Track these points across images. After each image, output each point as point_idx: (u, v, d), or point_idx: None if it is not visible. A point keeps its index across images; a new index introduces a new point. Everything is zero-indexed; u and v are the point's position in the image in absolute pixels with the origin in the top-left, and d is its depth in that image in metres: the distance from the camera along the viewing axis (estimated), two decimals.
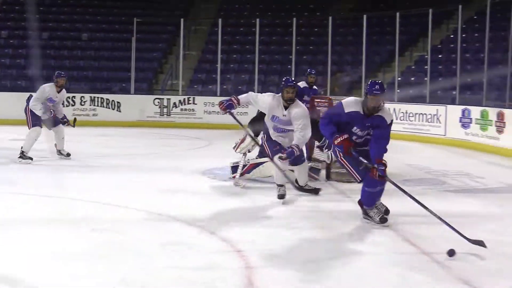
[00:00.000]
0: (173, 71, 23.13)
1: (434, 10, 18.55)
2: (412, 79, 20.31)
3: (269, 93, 8.25)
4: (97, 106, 20.09)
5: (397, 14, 18.98)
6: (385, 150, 6.46)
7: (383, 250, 5.83)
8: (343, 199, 8.33)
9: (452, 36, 20.31)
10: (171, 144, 12.49)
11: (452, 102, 16.36)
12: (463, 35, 18.53)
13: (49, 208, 7.34)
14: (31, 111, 10.87)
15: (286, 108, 7.74)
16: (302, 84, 11.89)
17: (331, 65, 20.43)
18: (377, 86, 6.38)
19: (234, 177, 9.23)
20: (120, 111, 20.05)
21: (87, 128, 16.49)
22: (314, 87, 12.27)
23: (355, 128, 6.57)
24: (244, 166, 9.23)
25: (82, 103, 19.92)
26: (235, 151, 9.30)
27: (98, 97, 20.15)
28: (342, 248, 5.85)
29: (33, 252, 5.38)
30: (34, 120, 10.89)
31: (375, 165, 6.29)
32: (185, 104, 19.86)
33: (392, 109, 17.11)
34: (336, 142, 6.50)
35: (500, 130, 13.65)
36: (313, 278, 4.87)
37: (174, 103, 19.89)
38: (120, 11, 25.71)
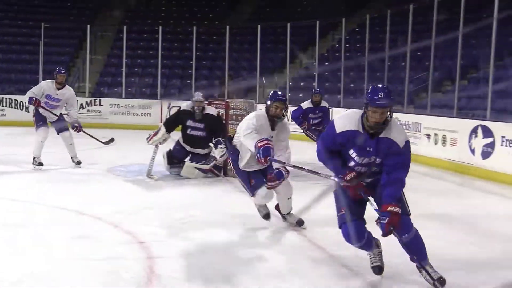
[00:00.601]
0: (80, 74, 22.70)
1: (321, 22, 19.05)
2: (302, 84, 20.74)
3: (251, 115, 6.18)
4: (6, 106, 19.49)
5: (288, 24, 19.36)
6: (402, 186, 4.42)
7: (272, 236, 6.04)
8: (238, 193, 8.34)
9: (337, 45, 20.90)
10: (78, 143, 12.23)
11: (338, 105, 16.78)
12: (347, 45, 19.09)
13: None
14: (35, 112, 9.83)
15: (272, 127, 6.11)
16: (306, 104, 11.45)
17: (228, 70, 20.64)
18: (381, 94, 4.24)
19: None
20: (28, 112, 19.44)
21: None
22: (324, 103, 11.59)
23: (351, 151, 4.52)
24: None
25: None
26: (148, 142, 9.35)
27: (6, 98, 19.56)
28: (238, 237, 6.04)
29: None
30: (37, 121, 9.83)
31: (379, 214, 4.37)
32: (91, 106, 19.50)
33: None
34: (342, 183, 4.55)
35: None
36: (211, 267, 4.98)
37: (81, 105, 19.43)
38: (27, 16, 24.98)
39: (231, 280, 4.66)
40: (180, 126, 9.75)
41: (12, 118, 19.02)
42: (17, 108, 19.46)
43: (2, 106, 19.51)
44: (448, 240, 5.95)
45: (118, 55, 21.98)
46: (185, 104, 10.18)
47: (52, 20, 23.39)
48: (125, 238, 5.81)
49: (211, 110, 9.76)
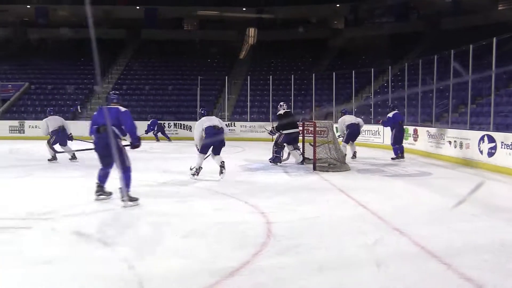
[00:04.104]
0: (222, 106, 23.50)
1: (374, 69, 18.82)
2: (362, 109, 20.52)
3: None
4: (178, 128, 20.67)
5: (353, 72, 19.25)
6: None
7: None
8: (318, 179, 8.32)
9: (385, 84, 20.56)
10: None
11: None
12: (392, 84, 18.78)
13: None
14: None
15: None
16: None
17: (315, 102, 20.74)
18: None
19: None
20: (191, 131, 20.56)
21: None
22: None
23: None
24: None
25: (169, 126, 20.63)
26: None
27: (179, 123, 20.73)
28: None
29: None
30: None
31: None
32: (229, 126, 20.15)
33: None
34: None
35: (415, 139, 13.92)
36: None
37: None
38: (188, 72, 26.09)
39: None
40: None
41: (182, 135, 20.24)
42: (185, 129, 20.58)
43: (176, 128, 20.73)
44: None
45: (245, 94, 22.64)
46: None
47: (205, 75, 24.34)
48: (250, 209, 5.66)
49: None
